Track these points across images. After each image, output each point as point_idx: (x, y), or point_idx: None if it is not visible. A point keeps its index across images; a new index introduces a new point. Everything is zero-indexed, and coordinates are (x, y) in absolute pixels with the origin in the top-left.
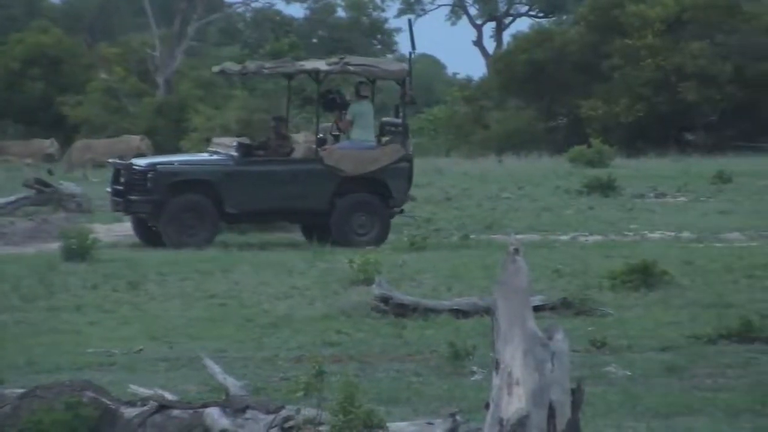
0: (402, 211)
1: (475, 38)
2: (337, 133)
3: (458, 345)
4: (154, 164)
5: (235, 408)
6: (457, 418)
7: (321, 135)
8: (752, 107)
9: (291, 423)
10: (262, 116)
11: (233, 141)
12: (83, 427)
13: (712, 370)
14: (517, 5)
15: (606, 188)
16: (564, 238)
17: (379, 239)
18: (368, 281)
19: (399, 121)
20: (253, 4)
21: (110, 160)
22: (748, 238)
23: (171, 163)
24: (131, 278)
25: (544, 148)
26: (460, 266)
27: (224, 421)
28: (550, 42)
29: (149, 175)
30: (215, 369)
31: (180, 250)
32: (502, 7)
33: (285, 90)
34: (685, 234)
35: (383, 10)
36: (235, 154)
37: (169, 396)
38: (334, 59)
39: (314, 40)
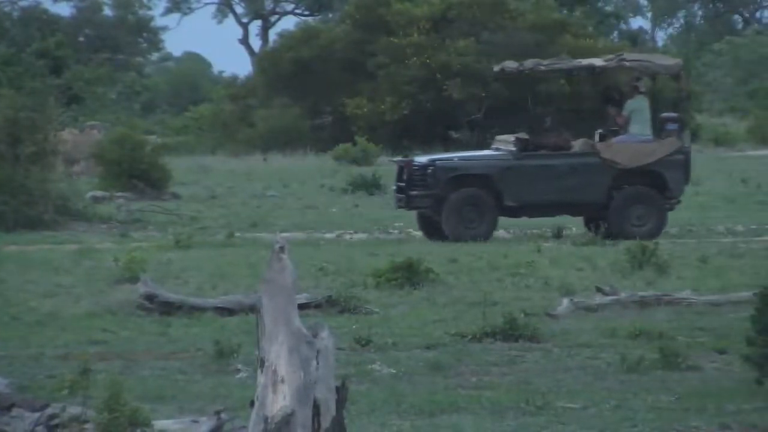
0: (679, 202)
1: (241, 36)
2: (616, 128)
3: (223, 343)
4: (434, 160)
5: (0, 406)
6: (222, 416)
7: (601, 130)
8: (517, 105)
9: (56, 421)
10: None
11: (511, 137)
12: None
13: (477, 368)
14: (283, 3)
15: (371, 186)
16: (329, 236)
17: (656, 231)
18: (134, 279)
19: (676, 115)
20: (20, 3)
21: (394, 159)
22: (512, 236)
23: (451, 158)
24: None
25: (309, 147)
26: (225, 264)
27: None
28: (316, 40)
29: (429, 171)
30: None
31: None
32: (269, 5)
33: (51, 89)
34: None
35: (149, 9)
36: (513, 148)
37: None
38: (611, 56)
39: (81, 39)
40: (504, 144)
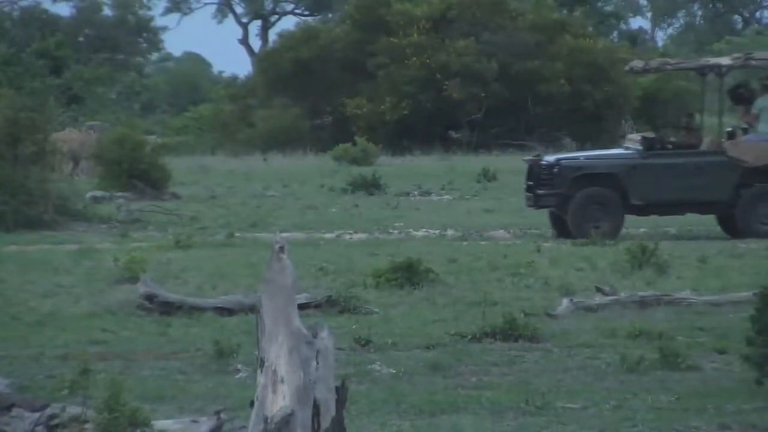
0: None
1: (241, 36)
2: (746, 127)
3: (223, 343)
4: (560, 159)
5: (0, 406)
6: (222, 416)
7: (730, 128)
8: (517, 105)
9: (56, 421)
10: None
11: (638, 135)
12: None
13: (477, 368)
14: (283, 3)
15: (371, 186)
16: (329, 236)
17: None
18: (133, 279)
19: None
20: (20, 3)
21: (524, 159)
22: (512, 236)
23: (576, 157)
24: None
25: (309, 147)
26: (225, 264)
27: None
28: (316, 40)
29: (554, 170)
30: None
31: None
32: (268, 5)
33: (51, 89)
34: (450, 232)
35: (149, 9)
36: (640, 147)
37: None
38: (738, 54)
39: (81, 39)
40: (633, 143)
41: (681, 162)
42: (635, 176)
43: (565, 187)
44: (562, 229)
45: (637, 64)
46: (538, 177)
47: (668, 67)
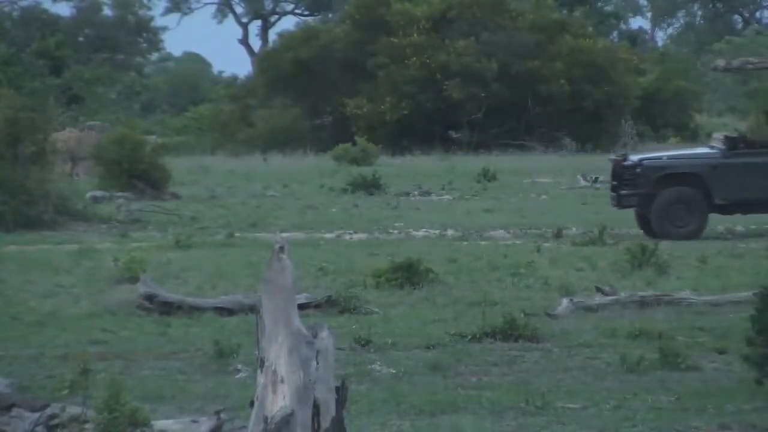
0: None
1: (241, 36)
2: None
3: (223, 343)
4: (642, 159)
5: (0, 406)
6: (222, 416)
7: None
8: (517, 105)
9: (56, 421)
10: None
11: (722, 134)
12: None
13: (477, 368)
14: (283, 3)
15: (371, 186)
16: (329, 236)
17: None
18: (133, 279)
19: None
20: (20, 3)
21: (609, 158)
22: (512, 236)
23: (659, 157)
24: None
25: (309, 147)
26: (225, 264)
27: None
28: (316, 40)
29: (637, 170)
30: None
31: None
32: (268, 5)
33: (50, 89)
34: (450, 232)
35: (149, 9)
36: (722, 147)
37: None
38: None
39: (81, 39)
40: (717, 142)
41: (764, 161)
42: (718, 175)
43: (648, 187)
44: (648, 228)
45: (720, 63)
46: (621, 177)
47: (750, 66)
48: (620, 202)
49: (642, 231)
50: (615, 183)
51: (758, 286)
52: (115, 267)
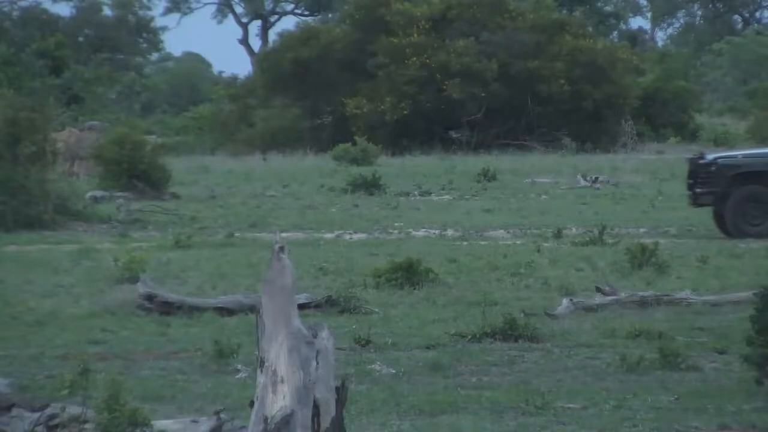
0: None
1: (241, 36)
2: None
3: (223, 343)
4: (717, 158)
5: (0, 406)
6: (222, 416)
7: None
8: (517, 105)
9: (56, 421)
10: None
11: None
12: None
13: (476, 368)
14: (283, 3)
15: (371, 186)
16: (329, 236)
17: None
18: (133, 279)
19: None
20: (20, 3)
21: (686, 156)
22: (512, 236)
23: (734, 156)
24: None
25: (309, 147)
26: (225, 264)
27: None
28: (316, 40)
29: (711, 168)
30: None
31: None
32: (268, 5)
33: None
34: (450, 232)
35: (149, 9)
36: None
37: None
38: None
39: (81, 39)
40: None
41: None
42: None
43: (723, 185)
44: (724, 227)
45: None
46: (696, 175)
47: None
48: (695, 201)
49: (719, 229)
50: (690, 181)
51: (758, 286)
52: (115, 267)
